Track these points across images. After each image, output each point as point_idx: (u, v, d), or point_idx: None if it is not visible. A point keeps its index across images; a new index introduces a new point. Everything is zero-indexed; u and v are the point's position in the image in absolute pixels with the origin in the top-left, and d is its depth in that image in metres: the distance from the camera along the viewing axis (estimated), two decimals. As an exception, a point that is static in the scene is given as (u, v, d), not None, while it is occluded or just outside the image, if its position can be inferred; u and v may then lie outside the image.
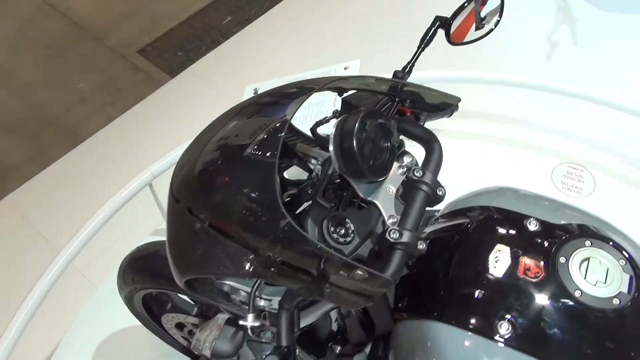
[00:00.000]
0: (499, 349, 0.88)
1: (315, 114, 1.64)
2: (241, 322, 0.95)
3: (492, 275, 0.93)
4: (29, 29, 3.63)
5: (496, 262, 0.94)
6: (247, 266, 0.85)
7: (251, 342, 1.14)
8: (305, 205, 1.05)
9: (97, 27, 3.63)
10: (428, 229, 1.09)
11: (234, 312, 1.12)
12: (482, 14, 1.23)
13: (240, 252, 0.85)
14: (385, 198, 0.94)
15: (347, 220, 0.99)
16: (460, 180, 2.36)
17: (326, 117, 1.17)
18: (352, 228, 0.98)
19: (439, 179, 1.00)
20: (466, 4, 1.20)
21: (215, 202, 0.89)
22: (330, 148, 0.89)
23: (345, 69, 1.70)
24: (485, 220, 1.01)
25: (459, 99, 1.21)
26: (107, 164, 2.89)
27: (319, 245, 0.80)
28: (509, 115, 2.69)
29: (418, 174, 0.95)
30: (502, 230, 0.99)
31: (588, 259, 0.93)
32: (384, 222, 0.93)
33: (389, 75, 1.15)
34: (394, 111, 1.09)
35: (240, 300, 1.03)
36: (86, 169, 2.90)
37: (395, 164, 0.97)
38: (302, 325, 1.09)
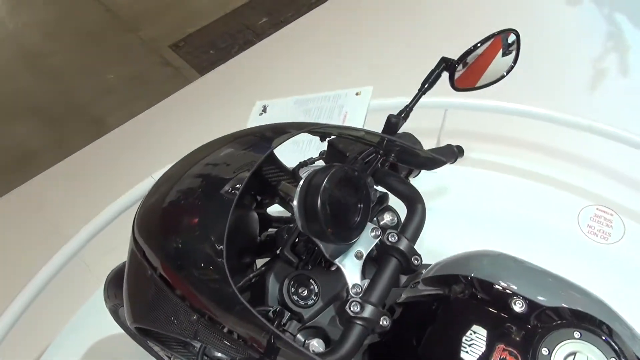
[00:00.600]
0: None
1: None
2: None
3: (463, 360, 0.84)
4: (67, 15, 3.65)
5: (469, 345, 0.84)
6: (190, 328, 0.79)
7: None
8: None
9: (133, 18, 3.63)
10: (407, 293, 1.00)
11: (189, 360, 1.06)
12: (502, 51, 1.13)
13: (185, 312, 0.79)
14: (352, 263, 0.86)
15: (311, 281, 0.91)
16: (478, 214, 2.26)
17: (311, 157, 1.10)
18: (316, 290, 0.91)
19: (419, 242, 0.91)
20: (479, 45, 1.10)
21: (166, 254, 0.82)
22: (294, 203, 0.81)
23: (357, 94, 1.62)
24: (466, 295, 0.91)
25: (458, 154, 1.12)
26: (126, 160, 2.87)
27: (264, 322, 0.72)
28: (538, 147, 2.54)
29: (392, 239, 0.86)
30: (482, 309, 0.89)
31: (574, 353, 0.82)
32: (348, 290, 0.85)
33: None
34: (377, 163, 1.00)
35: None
36: (105, 162, 2.90)
37: (370, 225, 0.88)
38: None
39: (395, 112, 1.06)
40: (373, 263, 0.90)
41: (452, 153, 1.21)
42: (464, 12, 3.33)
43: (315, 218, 0.79)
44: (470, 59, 1.09)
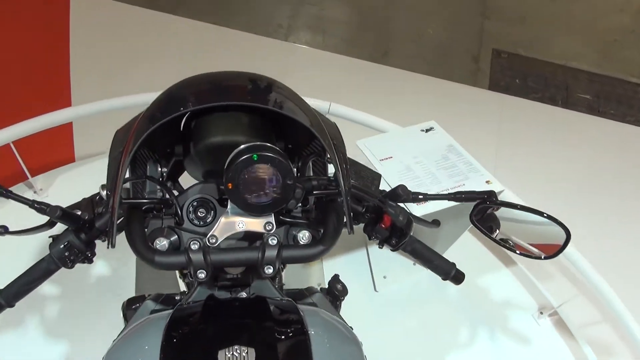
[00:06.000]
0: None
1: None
2: None
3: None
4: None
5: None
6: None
7: None
8: None
9: (501, 7, 3.71)
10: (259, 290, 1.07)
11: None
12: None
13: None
14: (230, 224, 0.95)
15: (212, 212, 1.03)
16: None
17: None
18: (208, 220, 1.03)
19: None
20: (521, 209, 1.01)
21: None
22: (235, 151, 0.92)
23: (487, 182, 1.54)
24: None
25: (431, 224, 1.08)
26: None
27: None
28: None
29: (272, 242, 0.92)
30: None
31: None
32: None
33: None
34: (327, 194, 1.03)
35: None
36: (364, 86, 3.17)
37: (269, 218, 0.94)
38: None
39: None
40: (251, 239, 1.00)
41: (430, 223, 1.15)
42: None
43: (229, 167, 0.89)
44: (506, 213, 1.02)
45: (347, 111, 2.10)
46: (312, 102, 2.09)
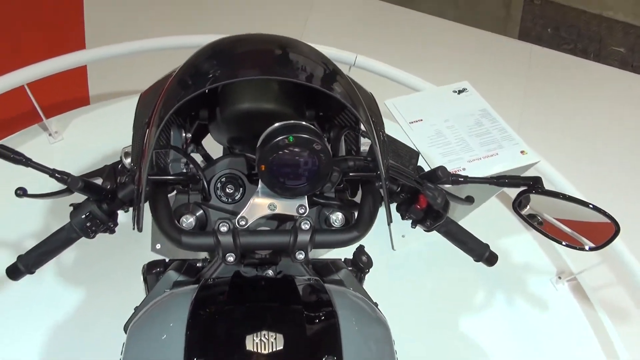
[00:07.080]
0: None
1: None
2: None
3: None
4: None
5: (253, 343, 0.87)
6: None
7: None
8: None
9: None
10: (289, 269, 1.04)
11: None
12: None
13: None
14: (261, 206, 0.90)
15: (242, 189, 0.98)
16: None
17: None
18: (236, 197, 0.98)
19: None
20: (571, 201, 0.94)
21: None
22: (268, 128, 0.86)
23: (522, 152, 1.47)
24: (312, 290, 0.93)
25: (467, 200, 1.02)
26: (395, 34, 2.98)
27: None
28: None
29: (305, 227, 0.88)
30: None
31: None
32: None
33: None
34: (366, 176, 0.97)
35: None
36: (380, 26, 3.04)
37: (302, 200, 0.90)
38: None
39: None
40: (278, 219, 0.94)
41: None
42: None
43: (263, 147, 0.83)
44: (554, 202, 0.96)
45: (374, 65, 2.00)
46: (337, 54, 2.05)
